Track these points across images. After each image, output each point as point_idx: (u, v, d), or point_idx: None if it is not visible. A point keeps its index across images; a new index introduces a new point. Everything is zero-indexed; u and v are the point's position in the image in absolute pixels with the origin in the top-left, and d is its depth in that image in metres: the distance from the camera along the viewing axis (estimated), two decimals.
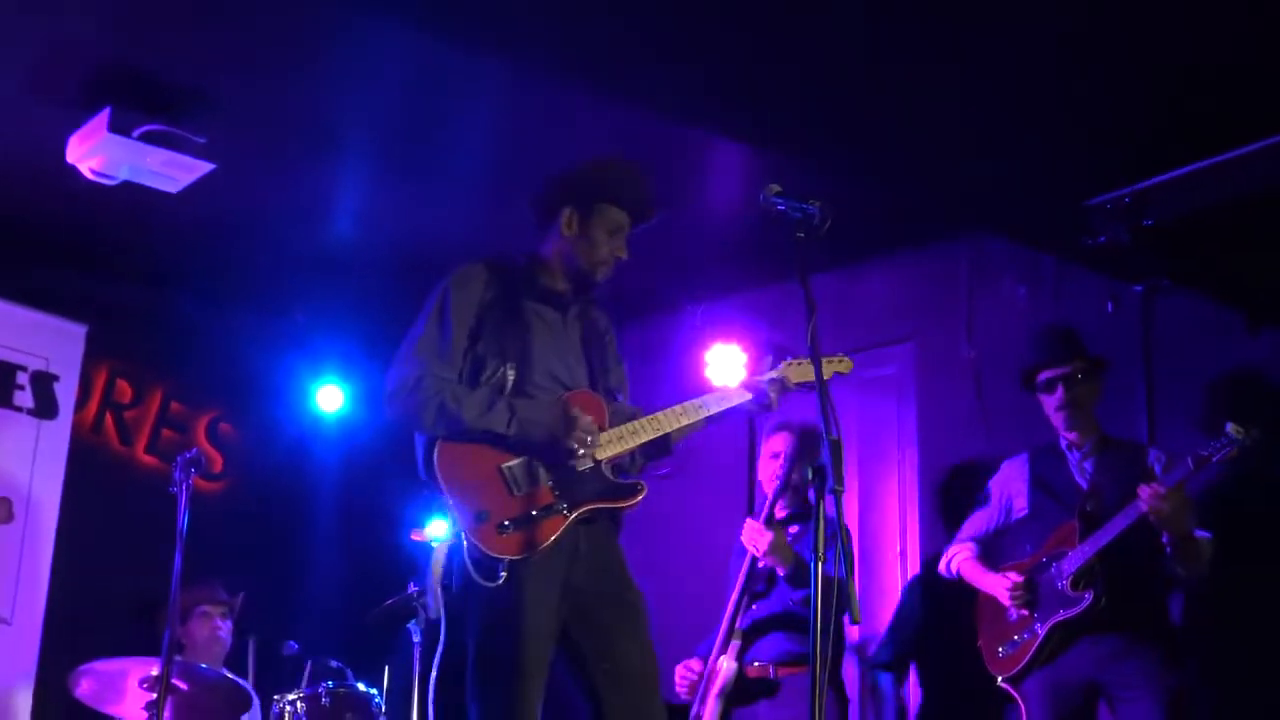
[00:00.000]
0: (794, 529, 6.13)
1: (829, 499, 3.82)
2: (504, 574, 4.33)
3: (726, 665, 6.03)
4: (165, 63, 5.78)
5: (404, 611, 6.54)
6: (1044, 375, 5.78)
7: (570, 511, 4.46)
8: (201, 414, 8.63)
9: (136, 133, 5.87)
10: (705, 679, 6.09)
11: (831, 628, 5.86)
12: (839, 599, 5.89)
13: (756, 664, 6.00)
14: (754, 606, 6.11)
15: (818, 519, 3.83)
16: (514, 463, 4.48)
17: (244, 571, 7.52)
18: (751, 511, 7.75)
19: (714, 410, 4.75)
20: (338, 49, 5.68)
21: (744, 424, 7.88)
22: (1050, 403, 5.77)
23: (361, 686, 6.29)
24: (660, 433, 4.65)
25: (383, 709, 6.24)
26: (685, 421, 4.70)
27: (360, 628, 6.84)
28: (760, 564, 6.03)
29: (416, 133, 6.39)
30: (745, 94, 5.61)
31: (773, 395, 4.83)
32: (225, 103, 6.04)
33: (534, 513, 4.42)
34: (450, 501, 4.42)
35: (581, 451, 4.47)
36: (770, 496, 6.11)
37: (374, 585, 7.12)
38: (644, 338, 8.32)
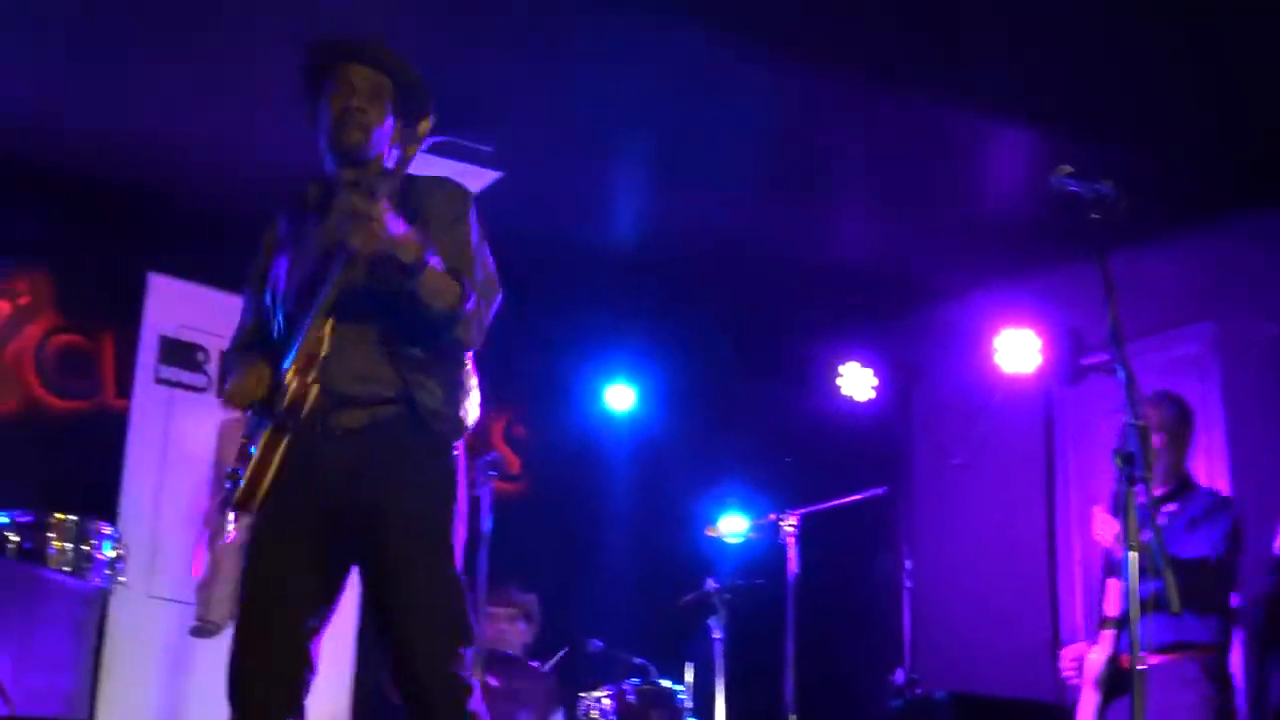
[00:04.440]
0: (1170, 508, 5.73)
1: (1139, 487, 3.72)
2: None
3: (1096, 655, 5.85)
4: (449, 75, 5.95)
5: (703, 607, 6.56)
6: None
7: (258, 445, 3.78)
8: (497, 417, 8.81)
9: (425, 145, 6.03)
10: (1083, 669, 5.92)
11: (1213, 615, 5.73)
12: (1206, 585, 5.72)
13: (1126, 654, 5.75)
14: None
15: (1127, 510, 3.73)
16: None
17: (544, 570, 7.63)
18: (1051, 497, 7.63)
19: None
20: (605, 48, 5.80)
21: (1040, 407, 7.76)
22: None
23: (666, 683, 6.34)
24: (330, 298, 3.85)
25: (688, 705, 6.29)
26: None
27: (659, 625, 6.90)
28: (1116, 554, 5.76)
29: (688, 133, 6.45)
30: (1029, 79, 5.53)
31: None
32: (508, 110, 6.18)
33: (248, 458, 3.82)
34: None
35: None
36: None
37: (671, 581, 7.17)
38: (931, 324, 8.25)
